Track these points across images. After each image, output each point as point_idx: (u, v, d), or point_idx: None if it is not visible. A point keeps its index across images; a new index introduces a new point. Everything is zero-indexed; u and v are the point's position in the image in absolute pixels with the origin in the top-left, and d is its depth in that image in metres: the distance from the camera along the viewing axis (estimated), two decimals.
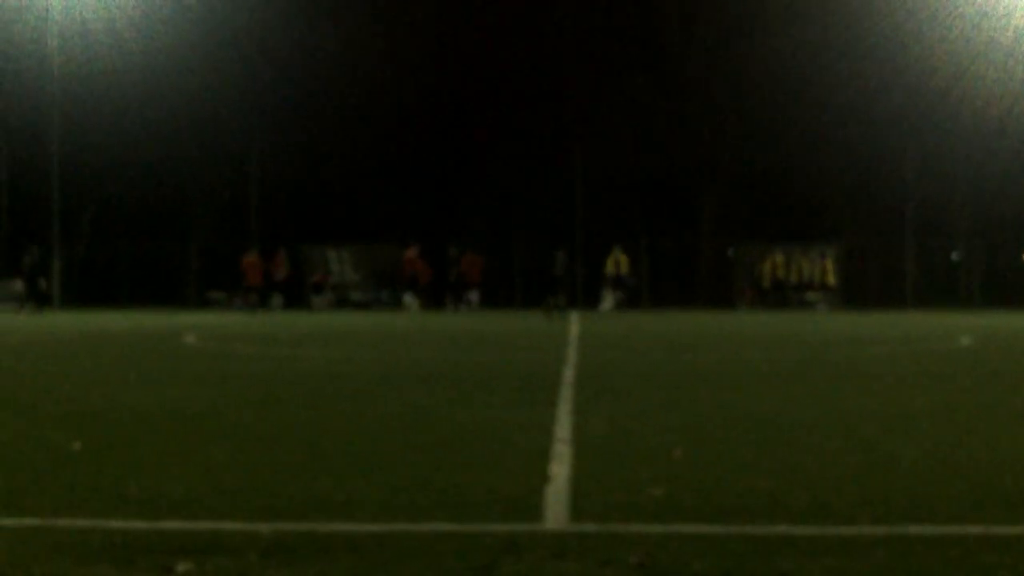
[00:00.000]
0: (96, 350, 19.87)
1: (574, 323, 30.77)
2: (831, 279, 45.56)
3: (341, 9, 53.25)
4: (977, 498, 6.17)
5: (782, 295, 46.07)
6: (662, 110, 52.59)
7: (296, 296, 46.90)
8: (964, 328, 27.58)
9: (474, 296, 43.74)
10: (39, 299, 40.49)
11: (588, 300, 46.18)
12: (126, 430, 9.07)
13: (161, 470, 7.11)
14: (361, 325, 30.83)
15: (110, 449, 8.01)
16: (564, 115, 52.67)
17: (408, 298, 42.98)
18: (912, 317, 37.19)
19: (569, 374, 13.95)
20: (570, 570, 4.72)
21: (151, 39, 50.40)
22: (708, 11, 52.36)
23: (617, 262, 43.35)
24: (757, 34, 50.85)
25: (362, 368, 15.74)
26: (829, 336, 24.35)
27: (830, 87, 49.45)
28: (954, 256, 51.28)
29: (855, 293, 49.41)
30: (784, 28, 49.90)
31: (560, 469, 7.01)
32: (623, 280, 43.05)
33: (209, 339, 22.80)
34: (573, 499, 6.12)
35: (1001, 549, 5.06)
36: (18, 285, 41.80)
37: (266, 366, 16.13)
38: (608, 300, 42.98)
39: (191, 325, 29.58)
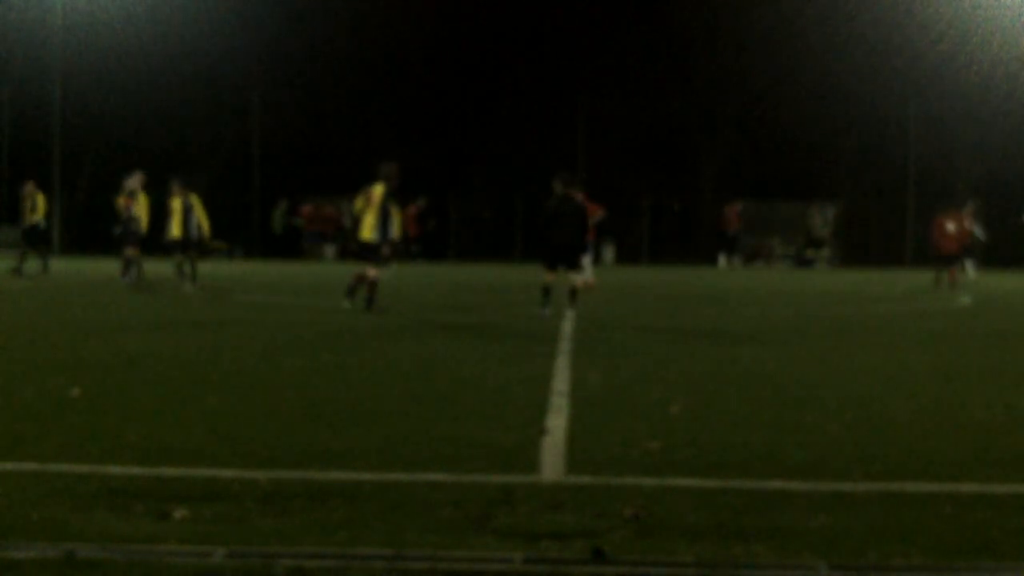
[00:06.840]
0: (96, 297, 19.86)
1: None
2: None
3: None
4: (972, 456, 6.19)
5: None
6: (664, 69, 52.28)
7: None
8: (963, 287, 27.54)
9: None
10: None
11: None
12: (125, 377, 9.08)
13: (159, 417, 7.13)
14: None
15: (109, 396, 8.03)
16: (567, 73, 52.35)
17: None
18: (912, 276, 37.12)
19: (568, 328, 13.96)
20: (565, 522, 4.74)
21: None
22: None
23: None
24: None
25: (362, 319, 15.72)
26: (828, 294, 24.33)
27: (833, 47, 49.10)
28: None
29: (855, 251, 49.36)
30: None
31: (557, 422, 7.04)
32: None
33: (209, 288, 22.78)
34: (569, 452, 6.14)
35: (994, 507, 5.08)
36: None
37: (266, 315, 16.13)
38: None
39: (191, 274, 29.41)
